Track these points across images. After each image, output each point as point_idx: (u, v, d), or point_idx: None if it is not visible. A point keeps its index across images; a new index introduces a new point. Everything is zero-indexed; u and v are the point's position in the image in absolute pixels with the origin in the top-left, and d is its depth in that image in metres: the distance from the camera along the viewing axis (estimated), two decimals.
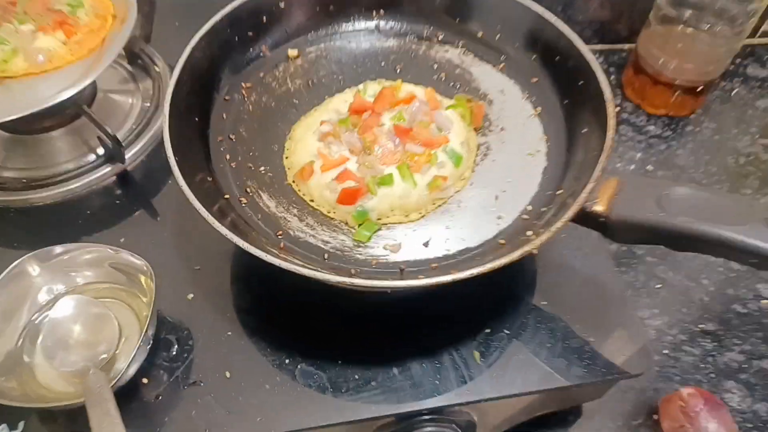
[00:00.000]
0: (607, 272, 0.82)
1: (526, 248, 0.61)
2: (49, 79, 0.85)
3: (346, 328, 0.75)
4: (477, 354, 0.73)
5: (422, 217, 0.73)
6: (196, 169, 0.72)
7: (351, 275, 0.67)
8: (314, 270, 0.61)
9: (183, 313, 0.76)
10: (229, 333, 0.74)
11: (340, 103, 0.82)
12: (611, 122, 0.71)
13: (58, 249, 0.73)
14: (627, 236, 0.66)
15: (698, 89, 1.14)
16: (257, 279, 0.79)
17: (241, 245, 0.61)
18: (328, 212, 0.73)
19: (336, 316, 0.75)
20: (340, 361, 0.72)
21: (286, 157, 0.79)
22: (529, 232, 0.69)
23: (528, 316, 0.77)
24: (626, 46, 1.26)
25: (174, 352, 0.73)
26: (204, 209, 0.63)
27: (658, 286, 0.96)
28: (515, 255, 0.60)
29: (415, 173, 0.73)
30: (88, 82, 0.81)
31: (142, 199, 0.89)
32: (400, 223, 0.73)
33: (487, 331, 0.76)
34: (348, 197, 0.71)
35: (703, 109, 1.20)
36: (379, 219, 0.72)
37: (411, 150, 0.75)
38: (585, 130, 0.76)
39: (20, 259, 0.71)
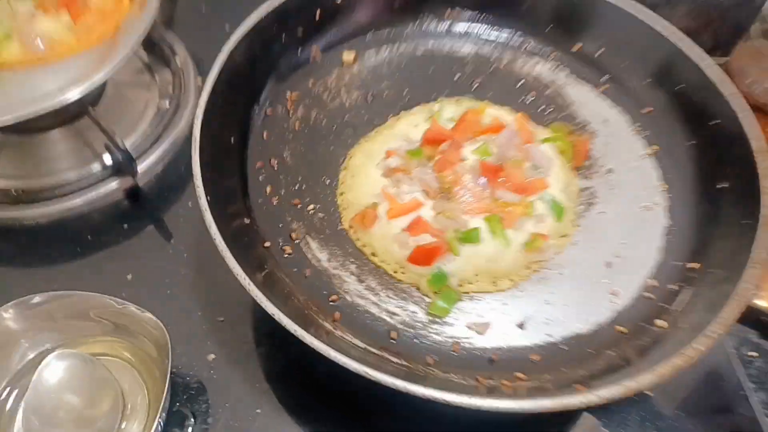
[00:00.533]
0: (725, 358, 0.66)
1: (678, 362, 0.45)
2: (50, 71, 0.68)
3: (406, 416, 0.58)
4: None
5: (515, 286, 0.57)
6: (231, 206, 0.57)
7: (427, 366, 0.51)
8: (377, 369, 0.44)
9: (202, 378, 0.60)
10: (258, 410, 0.58)
11: (409, 127, 0.66)
12: (764, 183, 0.55)
13: (37, 298, 0.56)
14: None
15: None
16: (295, 339, 0.62)
17: (288, 326, 0.45)
18: (395, 272, 0.57)
19: (395, 401, 0.59)
20: None
21: (341, 194, 0.62)
22: (661, 321, 0.53)
23: (631, 408, 0.61)
24: None
25: (189, 431, 0.58)
26: (243, 273, 0.47)
27: None
28: (661, 371, 0.44)
29: (508, 228, 0.57)
30: (98, 80, 0.65)
31: (155, 223, 0.72)
32: (485, 292, 0.57)
33: (581, 423, 0.60)
34: (423, 256, 0.55)
35: None
36: (460, 286, 0.56)
37: (502, 197, 0.58)
38: (723, 185, 0.60)
39: None
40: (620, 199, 0.63)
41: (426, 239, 0.56)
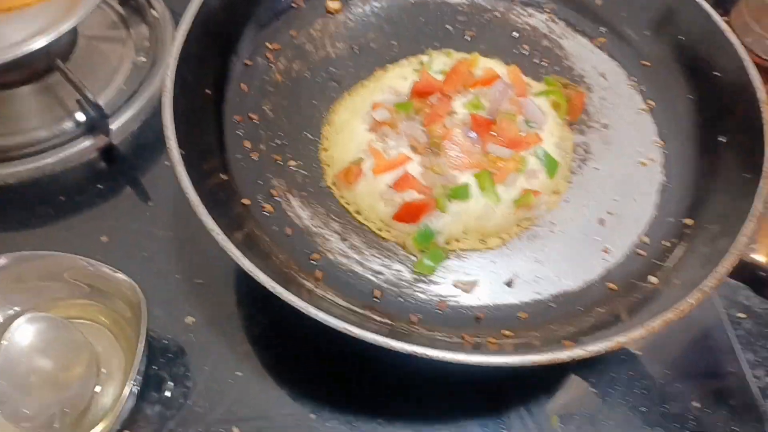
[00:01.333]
0: (715, 319, 0.65)
1: (669, 315, 0.43)
2: (14, 20, 0.65)
3: (389, 374, 0.58)
4: (555, 419, 0.57)
5: (504, 244, 0.55)
6: (207, 162, 0.54)
7: (411, 324, 0.50)
8: (360, 327, 0.43)
9: (180, 341, 0.58)
10: (239, 373, 0.57)
11: (397, 79, 0.63)
12: None
13: (2, 260, 0.54)
14: None
15: None
16: (276, 300, 0.60)
17: (266, 284, 0.43)
18: (379, 230, 0.55)
19: (378, 360, 0.58)
20: (380, 420, 0.56)
21: (325, 150, 0.60)
22: (653, 278, 0.51)
23: (619, 368, 0.61)
24: None
25: (167, 394, 0.56)
26: (220, 230, 0.45)
27: None
28: (655, 324, 0.43)
29: (498, 184, 0.55)
30: (65, 28, 0.61)
31: (131, 183, 0.69)
32: (474, 249, 0.55)
33: (568, 385, 0.60)
34: (409, 213, 0.53)
35: None
36: (447, 243, 0.54)
37: (493, 152, 0.56)
38: (723, 138, 0.58)
39: None
40: (615, 155, 0.61)
41: (413, 196, 0.54)
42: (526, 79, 0.64)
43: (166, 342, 0.58)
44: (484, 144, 0.56)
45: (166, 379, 0.57)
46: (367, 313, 0.50)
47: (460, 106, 0.59)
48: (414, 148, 0.56)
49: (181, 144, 0.49)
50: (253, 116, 0.60)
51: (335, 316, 0.43)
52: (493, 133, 0.57)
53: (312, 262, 0.53)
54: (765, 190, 0.50)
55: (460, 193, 0.54)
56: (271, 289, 0.43)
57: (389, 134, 0.57)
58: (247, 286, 0.62)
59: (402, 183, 0.54)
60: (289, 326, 0.59)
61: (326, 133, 0.61)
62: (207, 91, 0.57)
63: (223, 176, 0.55)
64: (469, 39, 0.69)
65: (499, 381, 0.58)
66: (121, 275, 0.53)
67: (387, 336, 0.42)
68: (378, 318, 0.49)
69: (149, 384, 0.56)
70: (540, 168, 0.57)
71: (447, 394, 0.57)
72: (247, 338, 0.59)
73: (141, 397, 0.55)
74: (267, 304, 0.60)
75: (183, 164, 0.48)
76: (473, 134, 0.57)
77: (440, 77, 0.61)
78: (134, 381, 0.50)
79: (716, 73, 0.61)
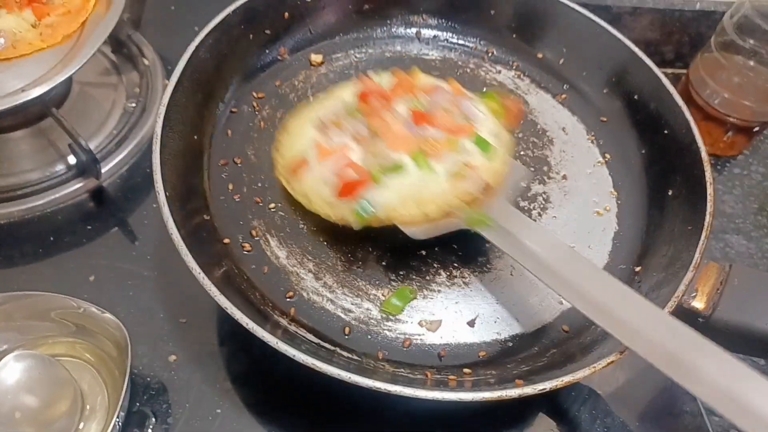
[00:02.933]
0: None
1: (611, 358, 0.47)
2: (12, 69, 0.67)
3: (367, 415, 0.59)
4: None
5: (466, 284, 0.59)
6: (191, 203, 0.58)
7: (378, 360, 0.53)
8: (328, 363, 0.46)
9: (163, 379, 0.60)
10: (218, 411, 0.59)
11: (347, 92, 0.65)
12: (710, 191, 0.58)
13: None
14: (727, 341, 0.52)
15: (754, 129, 1.01)
16: (257, 339, 0.62)
17: (240, 320, 0.47)
18: (327, 215, 0.57)
19: (358, 401, 0.59)
20: None
21: (276, 150, 0.63)
22: None
23: (582, 406, 0.63)
24: (669, 70, 1.12)
25: (149, 430, 0.58)
26: (199, 269, 0.48)
27: None
28: (599, 365, 0.47)
29: (433, 160, 0.57)
30: (60, 79, 0.64)
31: (118, 224, 0.72)
32: (414, 224, 0.56)
33: (536, 417, 0.62)
34: (348, 188, 0.55)
35: (752, 149, 1.07)
36: (387, 217, 0.56)
37: (428, 135, 0.58)
38: (671, 192, 0.63)
39: None
40: (573, 205, 0.66)
41: (352, 175, 0.56)
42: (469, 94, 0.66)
43: (149, 379, 0.60)
44: (421, 130, 0.58)
45: (148, 415, 0.58)
46: (337, 349, 0.53)
47: (402, 108, 0.60)
48: (356, 140, 0.58)
49: (167, 186, 0.53)
50: (237, 160, 0.64)
51: (304, 352, 0.46)
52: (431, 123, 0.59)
53: (287, 299, 0.56)
54: (704, 244, 0.54)
55: (394, 168, 0.56)
56: (245, 325, 0.46)
57: (334, 131, 0.59)
58: (228, 325, 0.64)
59: (342, 166, 0.56)
60: (268, 364, 0.61)
61: (282, 139, 0.63)
62: (194, 136, 0.61)
63: (206, 216, 0.58)
64: None
65: (468, 417, 0.61)
66: (108, 315, 0.55)
67: (353, 372, 0.45)
68: (346, 354, 0.52)
69: (131, 421, 0.58)
70: (474, 148, 0.58)
71: (418, 429, 0.60)
72: (227, 376, 0.61)
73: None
74: (247, 343, 0.63)
75: (168, 205, 0.52)
76: (411, 124, 0.59)
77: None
78: (118, 417, 0.51)
79: (665, 131, 0.66)
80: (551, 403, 0.63)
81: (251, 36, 0.69)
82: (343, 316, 0.56)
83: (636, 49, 0.70)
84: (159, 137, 0.55)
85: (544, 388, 0.45)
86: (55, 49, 0.69)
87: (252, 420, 0.59)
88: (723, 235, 0.87)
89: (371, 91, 0.61)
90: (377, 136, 0.58)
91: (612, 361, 0.47)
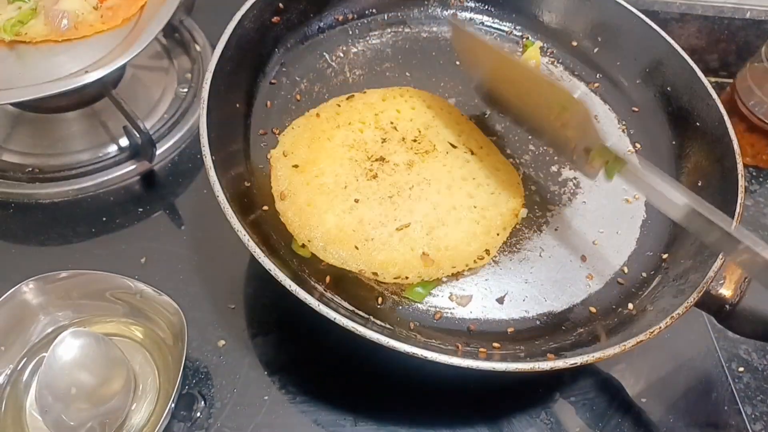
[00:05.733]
0: (718, 371, 0.68)
1: (641, 337, 0.49)
2: (72, 50, 0.69)
3: (410, 400, 0.61)
4: None
5: (493, 260, 0.60)
6: (234, 168, 0.59)
7: (410, 330, 0.54)
8: (362, 325, 0.47)
9: (212, 363, 0.61)
10: (266, 398, 0.60)
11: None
12: (741, 183, 0.59)
13: (63, 274, 0.57)
14: (752, 330, 0.54)
15: None
16: (306, 325, 0.63)
17: (284, 282, 0.48)
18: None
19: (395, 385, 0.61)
20: None
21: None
22: (630, 305, 0.57)
23: (624, 416, 0.63)
24: (712, 79, 1.12)
25: (198, 414, 0.58)
26: (244, 231, 0.49)
27: None
28: (629, 344, 0.48)
29: None
30: (122, 62, 0.65)
31: (168, 208, 0.72)
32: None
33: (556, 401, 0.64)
34: None
35: None
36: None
37: None
38: (700, 183, 0.64)
39: (18, 285, 0.56)
40: (603, 191, 0.67)
41: None
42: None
43: (198, 363, 0.61)
44: None
45: (197, 398, 0.59)
46: (371, 317, 0.54)
47: None
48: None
49: (213, 150, 0.54)
50: (275, 131, 0.65)
51: (342, 315, 0.48)
52: None
53: (322, 267, 0.57)
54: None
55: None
56: (289, 287, 0.48)
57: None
58: (276, 313, 0.65)
59: None
60: (315, 354, 0.63)
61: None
62: (237, 105, 0.62)
63: (247, 183, 0.60)
64: None
65: (488, 397, 0.62)
66: (165, 297, 0.56)
67: (389, 338, 0.47)
68: (380, 323, 0.54)
69: (180, 403, 0.58)
70: None
71: (445, 400, 0.62)
72: (275, 364, 0.62)
73: (172, 415, 0.57)
74: (294, 332, 0.65)
75: (213, 169, 0.53)
76: None
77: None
78: (173, 401, 0.53)
79: (697, 123, 0.67)
80: (589, 410, 0.63)
81: (292, 10, 0.69)
82: (375, 285, 0.57)
83: (672, 42, 0.71)
84: (206, 101, 0.56)
85: (575, 363, 0.47)
86: (114, 31, 0.71)
87: (298, 409, 0.60)
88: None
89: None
90: None
91: (641, 341, 0.48)
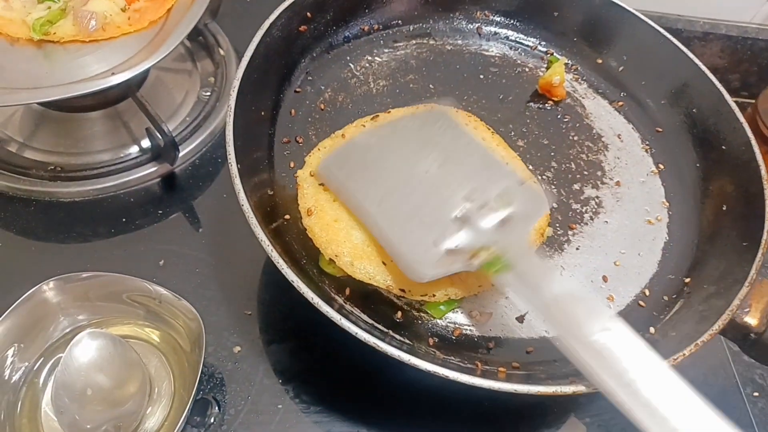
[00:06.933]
0: (733, 392, 0.67)
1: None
2: (99, 51, 0.69)
3: (424, 409, 0.61)
4: None
5: None
6: (257, 176, 0.59)
7: (429, 346, 0.54)
8: (381, 340, 0.47)
9: (227, 369, 0.61)
10: (280, 406, 0.60)
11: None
12: None
13: (85, 275, 0.58)
14: None
15: None
16: (322, 334, 0.63)
17: (304, 293, 0.48)
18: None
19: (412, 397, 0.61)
20: None
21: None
22: (652, 329, 0.56)
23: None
24: (733, 99, 1.11)
25: (211, 420, 0.58)
26: (268, 241, 0.49)
27: None
28: None
29: None
30: (148, 65, 0.65)
31: (188, 211, 0.73)
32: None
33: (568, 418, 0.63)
34: None
35: None
36: None
37: None
38: (725, 207, 0.63)
39: (39, 285, 0.56)
40: (625, 212, 0.66)
41: None
42: None
43: (213, 368, 0.61)
44: None
45: (211, 403, 0.59)
46: (390, 331, 0.54)
47: None
48: None
49: (238, 158, 0.54)
50: (299, 139, 0.65)
51: (363, 329, 0.47)
52: None
53: (342, 278, 0.57)
54: (761, 261, 0.55)
55: None
56: (310, 300, 0.48)
57: None
58: (292, 321, 0.65)
59: None
60: (330, 363, 0.62)
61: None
62: (262, 113, 0.63)
63: (270, 191, 0.60)
64: (499, 88, 0.75)
65: (501, 415, 0.62)
66: (184, 302, 0.56)
67: (410, 354, 0.47)
68: (399, 337, 0.54)
69: (194, 408, 0.58)
70: None
71: (460, 416, 0.61)
72: (290, 372, 0.62)
73: (186, 420, 0.56)
74: (310, 341, 0.64)
75: (238, 177, 0.53)
76: None
77: None
78: (189, 408, 0.53)
79: (723, 146, 0.67)
80: (583, 407, 0.64)
81: (319, 20, 0.70)
82: (395, 300, 0.57)
83: (699, 63, 0.70)
84: (233, 109, 0.56)
85: (597, 388, 0.46)
86: (141, 34, 0.71)
87: (312, 419, 0.59)
88: None
89: None
90: None
91: None
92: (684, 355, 0.48)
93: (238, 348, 0.63)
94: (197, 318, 0.56)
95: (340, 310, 0.53)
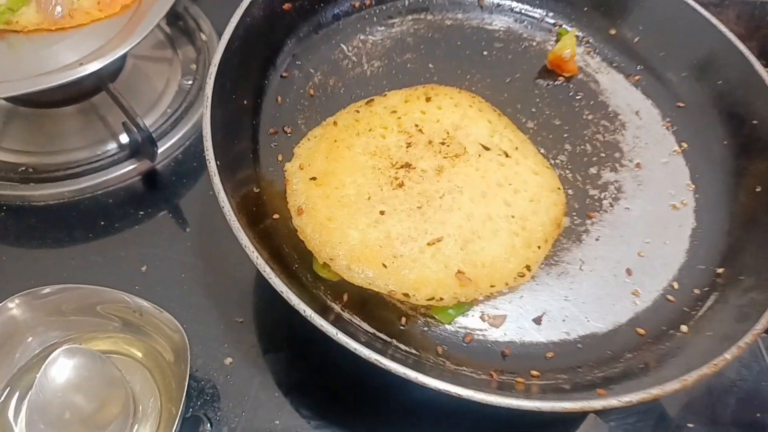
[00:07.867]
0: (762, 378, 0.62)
1: (705, 370, 0.43)
2: (67, 40, 0.64)
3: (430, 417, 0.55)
4: None
5: (532, 277, 0.54)
6: (240, 172, 0.53)
7: (438, 355, 0.49)
8: (384, 352, 0.42)
9: (218, 383, 0.56)
10: (277, 421, 0.55)
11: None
12: None
13: (47, 290, 0.52)
14: None
15: None
16: (321, 341, 0.55)
17: (296, 306, 0.43)
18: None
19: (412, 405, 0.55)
20: None
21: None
22: (684, 327, 0.51)
23: (638, 413, 0.59)
24: None
25: None
26: (252, 247, 0.44)
27: None
28: (689, 380, 0.42)
29: None
30: (119, 54, 0.60)
31: (171, 211, 0.67)
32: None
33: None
34: None
35: None
36: None
37: None
38: (758, 188, 0.57)
39: (3, 302, 0.51)
40: (647, 196, 0.61)
41: None
42: None
43: (203, 383, 0.56)
44: None
45: (202, 421, 0.54)
46: (393, 341, 0.49)
47: None
48: None
49: (217, 153, 0.49)
50: (287, 129, 0.59)
51: (363, 344, 0.42)
52: None
53: (338, 282, 0.52)
54: None
55: None
56: (302, 312, 0.42)
57: None
58: (287, 328, 0.60)
59: None
60: (329, 373, 0.57)
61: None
62: (244, 101, 0.57)
63: (256, 189, 0.54)
64: (503, 66, 0.69)
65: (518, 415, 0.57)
66: (167, 315, 0.51)
67: (414, 368, 0.41)
68: (404, 347, 0.48)
69: (184, 426, 0.53)
70: None
71: (468, 423, 0.55)
72: (286, 384, 0.57)
73: None
74: (306, 350, 0.59)
75: (218, 175, 0.47)
76: None
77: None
78: (177, 426, 0.48)
79: (754, 120, 0.61)
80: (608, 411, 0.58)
81: None
82: (398, 304, 0.52)
83: (726, 30, 0.64)
84: (209, 99, 0.50)
85: (631, 401, 0.41)
86: (113, 20, 0.66)
87: None
88: None
89: None
90: None
91: (705, 374, 0.42)
92: (726, 359, 0.43)
93: (229, 359, 0.57)
94: (180, 330, 0.51)
95: (337, 320, 0.48)
